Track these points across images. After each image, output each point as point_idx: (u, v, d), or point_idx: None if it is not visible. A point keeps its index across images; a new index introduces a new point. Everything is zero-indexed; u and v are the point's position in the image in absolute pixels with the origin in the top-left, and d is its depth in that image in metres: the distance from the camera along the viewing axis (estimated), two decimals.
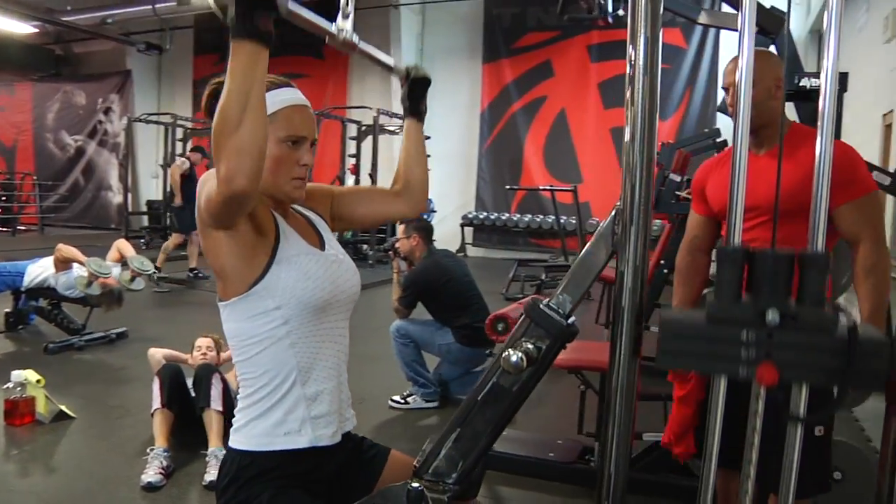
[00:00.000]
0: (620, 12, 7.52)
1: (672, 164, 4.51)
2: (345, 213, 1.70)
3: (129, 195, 14.26)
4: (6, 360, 4.95)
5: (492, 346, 4.35)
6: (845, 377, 0.98)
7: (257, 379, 1.42)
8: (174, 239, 8.80)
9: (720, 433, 1.13)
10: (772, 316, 0.98)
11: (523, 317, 1.28)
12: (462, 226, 12.87)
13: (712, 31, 11.05)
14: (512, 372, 1.23)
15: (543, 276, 8.21)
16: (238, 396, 1.47)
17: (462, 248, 12.60)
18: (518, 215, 12.81)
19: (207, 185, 1.27)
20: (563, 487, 3.11)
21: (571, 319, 1.26)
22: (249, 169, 1.16)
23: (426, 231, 4.51)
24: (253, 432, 1.41)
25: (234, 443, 1.44)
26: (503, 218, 12.89)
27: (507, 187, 11.65)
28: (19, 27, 12.71)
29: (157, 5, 11.91)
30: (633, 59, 1.16)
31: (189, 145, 13.17)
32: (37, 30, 13.30)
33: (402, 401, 4.27)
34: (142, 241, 12.03)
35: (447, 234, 11.87)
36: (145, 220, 14.12)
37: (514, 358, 1.22)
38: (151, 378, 3.49)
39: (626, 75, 1.17)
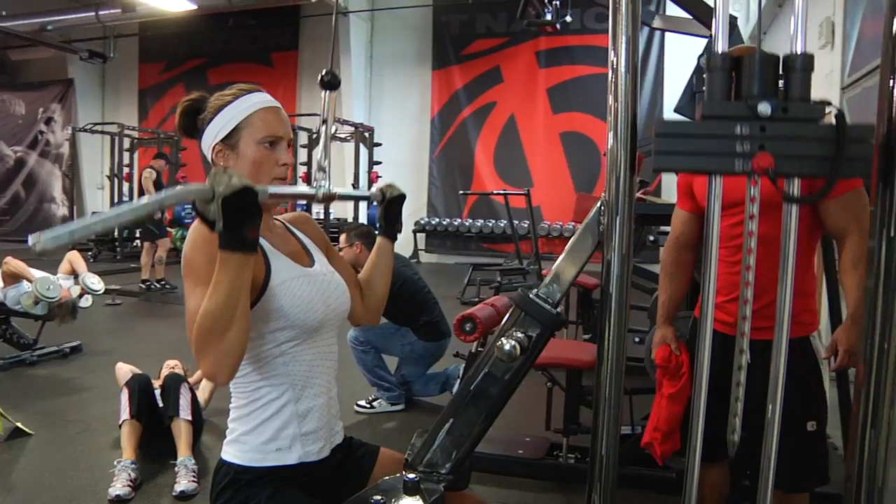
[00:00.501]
0: (568, 19, 7.68)
1: None
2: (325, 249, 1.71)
3: (74, 207, 13.88)
4: None
5: (450, 336, 4.37)
6: (835, 162, 1.04)
7: (251, 393, 1.44)
8: (162, 247, 8.77)
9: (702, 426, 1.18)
10: (763, 108, 1.03)
11: (513, 307, 1.32)
12: (415, 232, 12.90)
13: (657, 36, 11.32)
14: (505, 360, 1.27)
15: (499, 279, 8.28)
16: (231, 406, 1.48)
17: (415, 255, 12.64)
18: (470, 220, 12.92)
19: (189, 294, 1.34)
20: (534, 483, 3.17)
21: (559, 309, 1.31)
22: (232, 367, 1.25)
23: (368, 237, 4.47)
24: (245, 447, 1.44)
25: (226, 455, 1.46)
26: (455, 223, 12.97)
27: (461, 192, 11.74)
28: None
29: (101, 12, 11.69)
30: (614, 58, 1.21)
31: (136, 155, 12.94)
32: None
33: (368, 405, 4.28)
34: (89, 253, 11.75)
35: (400, 240, 11.59)
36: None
37: (507, 346, 1.26)
38: (113, 390, 3.43)
39: (609, 73, 1.22)
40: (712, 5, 1.15)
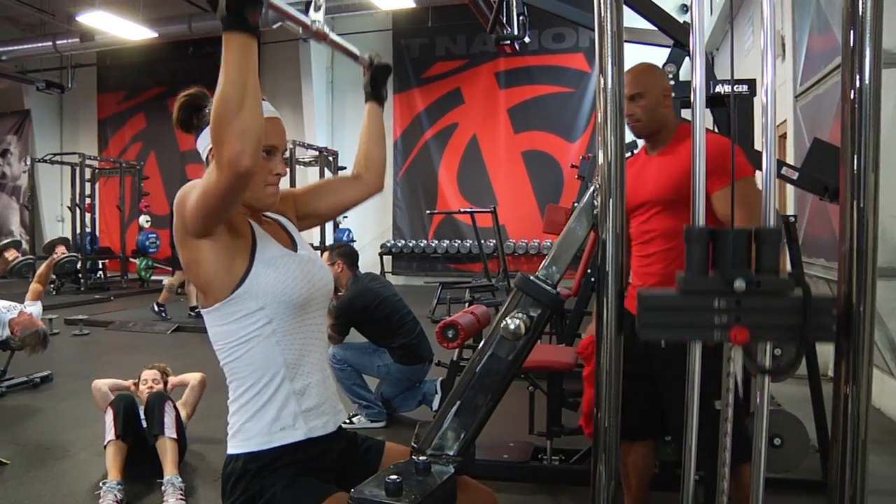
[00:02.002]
0: (527, 39, 7.86)
1: (593, 176, 4.74)
2: (309, 211, 1.77)
3: (34, 240, 13.62)
4: None
5: (429, 362, 4.43)
6: (803, 332, 1.14)
7: (246, 378, 1.47)
8: (179, 276, 8.64)
9: (696, 431, 1.25)
10: (739, 283, 1.13)
11: (514, 290, 1.38)
12: (381, 254, 12.92)
13: None
14: (510, 339, 1.33)
15: (469, 297, 8.35)
16: (228, 402, 1.51)
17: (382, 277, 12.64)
18: (436, 241, 12.98)
19: (194, 191, 1.34)
20: (521, 486, 3.21)
21: (558, 289, 1.37)
22: (253, 148, 1.25)
23: (350, 257, 4.52)
24: (249, 434, 1.46)
25: (232, 448, 1.48)
26: (421, 245, 13.03)
27: (428, 212, 11.81)
28: None
29: (59, 41, 11.57)
30: (601, 54, 1.29)
31: (97, 185, 12.78)
32: None
33: (348, 422, 4.28)
34: (52, 285, 11.54)
35: (367, 263, 11.84)
36: None
37: (512, 325, 1.32)
38: (89, 417, 3.38)
39: (596, 63, 1.30)
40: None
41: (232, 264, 1.43)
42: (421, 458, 1.34)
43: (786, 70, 5.91)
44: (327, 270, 1.63)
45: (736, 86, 2.93)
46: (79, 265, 11.54)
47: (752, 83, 3.00)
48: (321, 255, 4.58)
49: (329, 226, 11.44)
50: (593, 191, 1.34)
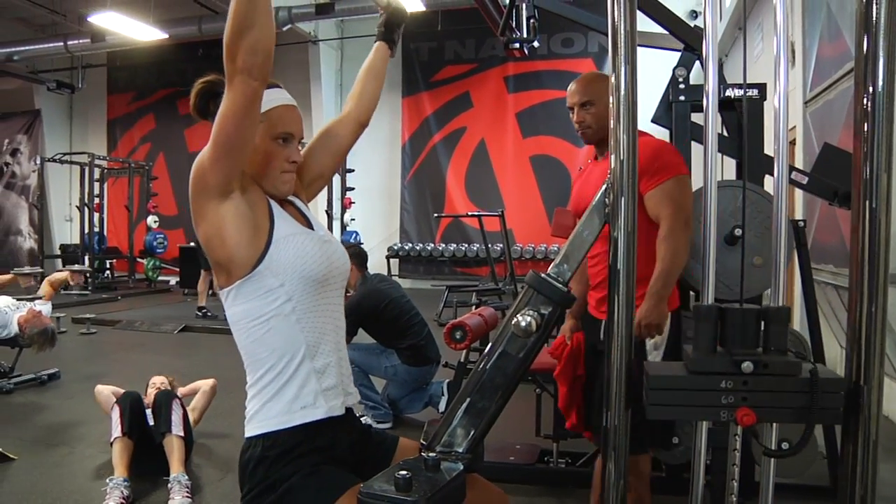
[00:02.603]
0: (536, 44, 7.86)
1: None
2: (314, 174, 1.77)
3: (43, 239, 13.67)
4: None
5: (437, 364, 4.43)
6: (810, 413, 1.16)
7: (267, 358, 1.47)
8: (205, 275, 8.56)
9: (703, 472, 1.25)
10: (746, 366, 1.15)
11: (525, 288, 1.39)
12: (388, 257, 12.92)
13: None
14: (521, 335, 1.33)
15: (476, 300, 8.35)
16: (247, 386, 1.51)
17: None
18: (443, 245, 12.98)
19: (202, 153, 1.38)
20: (527, 488, 3.21)
21: (569, 287, 1.38)
22: (262, 63, 1.31)
23: (360, 257, 4.52)
24: (270, 413, 1.46)
25: (251, 430, 1.48)
26: (428, 248, 13.03)
27: (436, 215, 11.82)
28: None
29: (70, 42, 11.62)
30: (613, 50, 1.29)
31: (106, 185, 12.83)
32: None
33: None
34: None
35: (374, 266, 11.83)
36: (59, 264, 13.58)
37: (523, 322, 1.32)
38: (95, 415, 3.39)
39: (610, 63, 1.31)
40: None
41: (254, 235, 1.44)
42: (430, 454, 1.34)
43: (795, 76, 5.90)
44: (343, 251, 1.64)
45: (747, 90, 2.93)
46: (87, 265, 11.59)
47: (762, 87, 3.00)
48: (328, 227, 4.58)
49: (336, 228, 11.47)
50: (605, 189, 1.35)
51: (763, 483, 1.60)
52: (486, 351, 1.41)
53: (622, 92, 1.26)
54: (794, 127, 6.09)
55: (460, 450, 1.41)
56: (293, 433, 1.45)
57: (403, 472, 1.24)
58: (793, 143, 6.27)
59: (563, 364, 2.55)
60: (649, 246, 2.28)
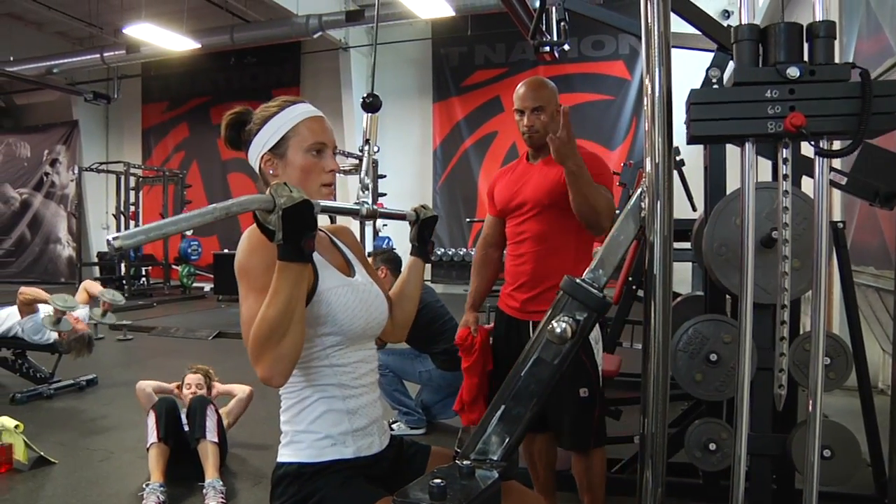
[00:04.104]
0: (566, 47, 7.80)
1: (634, 182, 4.70)
2: None
3: (80, 247, 13.94)
4: None
5: None
6: (863, 118, 1.09)
7: (299, 393, 1.49)
8: None
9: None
10: (792, 71, 1.09)
11: (560, 294, 1.37)
12: None
13: None
14: (556, 342, 1.31)
15: None
16: (281, 410, 1.53)
17: None
18: (475, 250, 12.92)
19: (244, 298, 1.39)
20: (560, 495, 3.14)
21: (605, 293, 1.36)
22: (287, 371, 1.31)
23: (394, 262, 4.52)
24: (301, 445, 1.48)
25: (284, 457, 1.50)
26: (461, 253, 13.01)
27: (468, 220, 11.81)
28: None
29: (106, 53, 11.86)
30: (647, 52, 1.27)
31: (141, 194, 13.04)
32: None
33: (389, 428, 4.28)
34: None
35: None
36: (97, 272, 13.83)
37: (558, 329, 1.30)
38: (132, 420, 3.43)
39: (643, 66, 1.29)
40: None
41: None
42: (465, 462, 1.33)
43: None
44: (383, 299, 1.63)
45: None
46: (123, 270, 11.77)
47: None
48: (361, 231, 4.57)
49: (369, 233, 11.51)
50: (640, 193, 1.33)
51: (806, 491, 1.56)
52: (520, 357, 1.40)
53: (657, 94, 1.24)
54: None
55: (495, 457, 1.39)
56: (323, 462, 1.47)
57: (437, 481, 1.23)
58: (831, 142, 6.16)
59: (475, 356, 2.64)
60: (579, 250, 2.51)
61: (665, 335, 1.23)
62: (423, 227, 1.83)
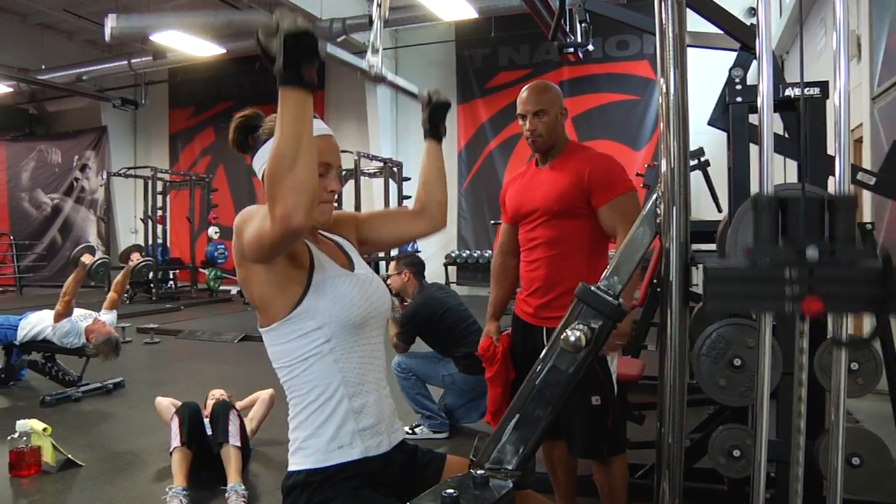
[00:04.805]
0: (590, 48, 7.73)
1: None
2: (370, 237, 1.77)
3: (109, 251, 14.14)
4: (1, 415, 4.88)
5: None
6: (885, 303, 1.06)
7: (306, 396, 1.47)
8: None
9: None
10: (811, 252, 1.07)
11: (575, 301, 1.35)
12: (445, 265, 12.93)
13: None
14: (570, 351, 1.29)
15: None
16: (289, 418, 1.52)
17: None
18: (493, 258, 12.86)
19: (253, 222, 1.34)
20: (583, 501, 3.11)
21: (620, 300, 1.33)
22: (305, 205, 1.24)
23: (417, 266, 4.52)
24: (308, 451, 1.47)
25: (293, 465, 1.49)
26: (486, 255, 12.97)
27: (493, 222, 11.78)
28: None
29: (133, 60, 12.01)
30: (663, 59, 1.25)
31: (168, 198, 13.19)
32: (11, 90, 13.31)
33: (410, 432, 4.27)
34: (126, 295, 11.94)
35: (432, 273, 11.89)
36: None
37: (573, 337, 1.28)
38: (158, 423, 3.47)
39: (658, 68, 1.26)
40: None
41: (288, 288, 1.44)
42: (479, 471, 1.31)
43: (861, 71, 5.68)
44: (385, 290, 1.63)
45: (807, 88, 2.81)
46: (151, 274, 11.91)
47: (824, 85, 2.88)
48: (388, 265, 4.58)
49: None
50: (656, 198, 1.30)
51: (829, 500, 1.52)
52: (535, 366, 1.38)
53: (672, 97, 1.22)
54: (861, 125, 5.86)
55: (510, 467, 1.37)
56: (331, 467, 1.45)
57: (450, 491, 1.22)
58: (859, 141, 6.03)
59: (497, 366, 2.63)
60: (591, 254, 2.48)
61: (682, 343, 1.20)
62: (435, 110, 1.86)
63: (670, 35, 1.22)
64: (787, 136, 2.95)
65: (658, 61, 1.26)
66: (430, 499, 1.24)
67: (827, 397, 2.17)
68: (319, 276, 1.46)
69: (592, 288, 1.33)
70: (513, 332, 2.72)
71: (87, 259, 5.12)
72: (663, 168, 1.25)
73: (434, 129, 1.87)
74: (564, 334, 1.30)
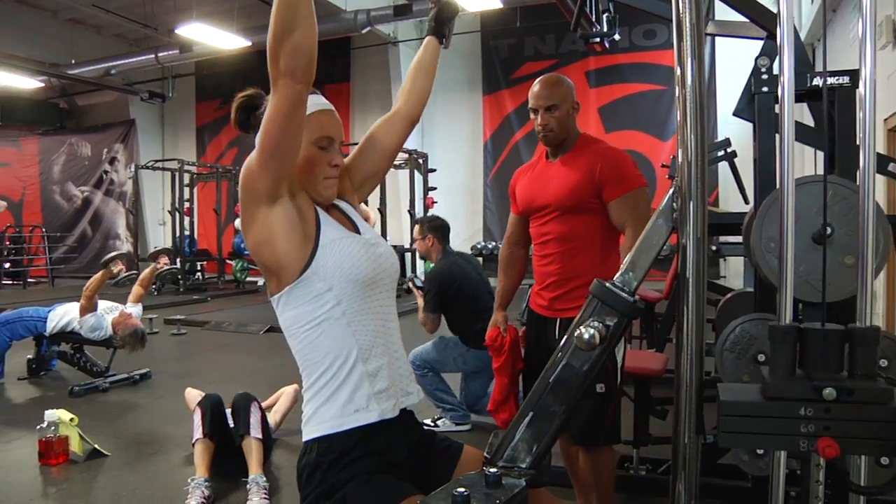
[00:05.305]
0: (617, 37, 7.64)
1: None
2: (365, 174, 1.76)
3: (138, 243, 14.34)
4: (32, 405, 4.97)
5: None
6: None
7: (320, 363, 1.46)
8: None
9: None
10: (829, 392, 1.04)
11: (590, 297, 1.32)
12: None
13: (707, 43, 11.21)
14: (584, 349, 1.27)
15: None
16: (303, 389, 1.51)
17: None
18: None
19: (250, 159, 1.39)
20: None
21: (636, 297, 1.31)
22: (305, 65, 1.31)
23: (441, 230, 4.46)
24: (323, 417, 1.45)
25: (306, 434, 1.48)
26: None
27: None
28: (26, 83, 12.92)
29: (160, 53, 12.12)
30: (680, 50, 1.21)
31: (195, 190, 13.31)
32: (42, 84, 13.51)
33: (433, 424, 4.27)
34: (154, 286, 12.08)
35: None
36: None
37: (586, 335, 1.26)
38: (182, 414, 3.50)
39: (675, 59, 1.23)
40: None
41: (302, 241, 1.44)
42: (491, 469, 1.29)
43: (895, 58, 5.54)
44: (392, 253, 1.63)
45: (836, 77, 2.74)
46: (179, 276, 12.05)
47: (853, 74, 2.80)
48: (412, 228, 4.53)
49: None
50: (673, 192, 1.27)
51: (853, 499, 1.48)
52: (549, 363, 1.36)
53: (689, 88, 1.18)
54: (895, 114, 5.72)
55: (523, 465, 1.35)
56: (347, 436, 1.43)
57: (461, 490, 1.20)
58: (893, 130, 5.89)
59: (505, 357, 2.63)
60: (604, 248, 2.46)
61: (699, 343, 1.17)
62: (441, 10, 1.89)
63: (687, 25, 1.18)
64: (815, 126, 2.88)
65: (675, 52, 1.22)
66: (441, 497, 1.23)
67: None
68: (327, 237, 1.47)
69: (607, 284, 1.31)
70: (527, 326, 2.71)
71: (115, 268, 5.20)
72: (680, 161, 1.22)
73: (439, 28, 1.89)
74: (578, 331, 1.28)
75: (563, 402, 1.32)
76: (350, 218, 1.62)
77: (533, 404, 1.35)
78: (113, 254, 5.17)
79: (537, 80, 2.59)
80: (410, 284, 4.57)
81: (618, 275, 1.32)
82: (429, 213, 12.30)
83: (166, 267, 5.46)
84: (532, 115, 2.56)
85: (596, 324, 1.27)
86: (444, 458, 1.58)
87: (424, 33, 1.91)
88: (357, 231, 1.59)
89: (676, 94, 1.23)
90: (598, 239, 2.47)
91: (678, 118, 1.23)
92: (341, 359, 1.45)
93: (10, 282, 14.52)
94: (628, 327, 1.33)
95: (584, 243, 2.46)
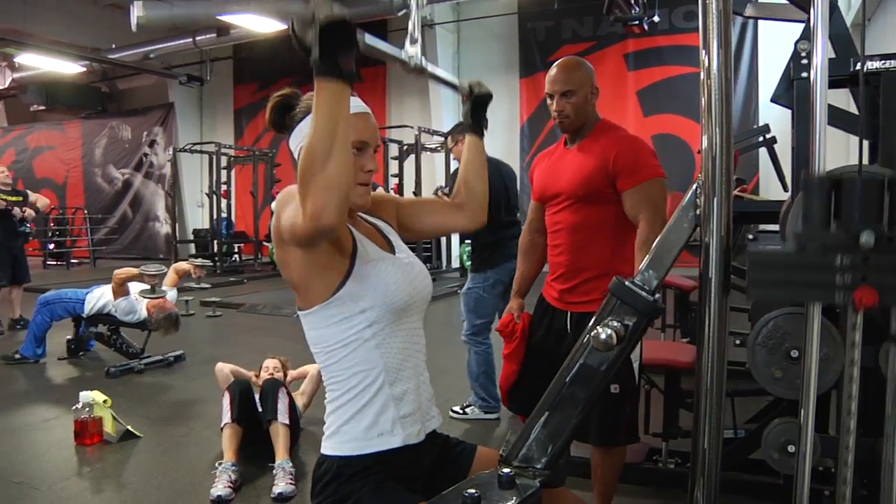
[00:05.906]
0: (656, 19, 7.46)
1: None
2: (410, 223, 1.73)
3: (177, 225, 14.54)
4: (70, 385, 5.08)
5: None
6: None
7: (346, 381, 1.44)
8: None
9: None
10: (866, 238, 0.96)
11: (608, 295, 1.28)
12: None
13: (750, 26, 10.94)
14: (601, 349, 1.23)
15: None
16: (326, 401, 1.49)
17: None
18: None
19: (288, 209, 1.29)
20: (632, 488, 3.07)
21: (657, 296, 1.26)
22: (337, 204, 1.18)
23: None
24: (345, 437, 1.43)
25: (327, 449, 1.46)
26: None
27: None
28: (69, 67, 13.14)
29: (198, 37, 12.20)
30: (705, 37, 1.16)
31: (233, 172, 13.43)
32: (84, 69, 13.71)
33: (461, 411, 4.25)
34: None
35: None
36: (192, 248, 14.39)
37: (603, 335, 1.21)
38: (213, 397, 3.53)
39: (700, 54, 1.17)
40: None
41: (327, 274, 1.40)
42: (505, 469, 1.27)
43: None
44: (426, 274, 1.59)
45: (883, 61, 2.63)
46: (215, 248, 12.17)
47: None
48: (435, 193, 4.42)
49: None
50: (696, 188, 1.21)
51: (883, 500, 1.41)
52: (565, 362, 1.32)
53: (714, 79, 1.12)
54: None
55: (538, 465, 1.32)
56: (368, 457, 1.41)
57: (472, 491, 1.18)
58: None
59: (516, 343, 2.57)
60: (617, 241, 2.38)
61: (721, 347, 1.12)
62: (476, 104, 1.80)
63: (713, 10, 1.12)
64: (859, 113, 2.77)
65: (700, 38, 1.16)
66: (451, 497, 1.20)
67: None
68: (363, 260, 1.42)
69: (627, 283, 1.26)
70: (536, 308, 2.65)
71: (147, 282, 5.30)
72: (704, 154, 1.16)
73: (476, 124, 1.80)
74: (595, 331, 1.23)
75: (580, 403, 1.28)
76: (385, 236, 1.59)
77: (549, 405, 1.31)
78: (153, 271, 5.26)
79: (555, 63, 2.51)
80: (440, 193, 4.57)
81: (638, 273, 1.28)
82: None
83: (199, 277, 5.59)
84: (549, 101, 2.49)
85: (614, 323, 1.23)
86: (460, 461, 1.56)
87: (464, 130, 1.82)
88: (392, 251, 1.55)
89: (700, 82, 1.17)
90: (610, 231, 2.40)
91: (702, 108, 1.17)
92: (368, 379, 1.43)
93: (55, 262, 14.84)
94: (648, 327, 1.28)
95: (595, 235, 2.40)
